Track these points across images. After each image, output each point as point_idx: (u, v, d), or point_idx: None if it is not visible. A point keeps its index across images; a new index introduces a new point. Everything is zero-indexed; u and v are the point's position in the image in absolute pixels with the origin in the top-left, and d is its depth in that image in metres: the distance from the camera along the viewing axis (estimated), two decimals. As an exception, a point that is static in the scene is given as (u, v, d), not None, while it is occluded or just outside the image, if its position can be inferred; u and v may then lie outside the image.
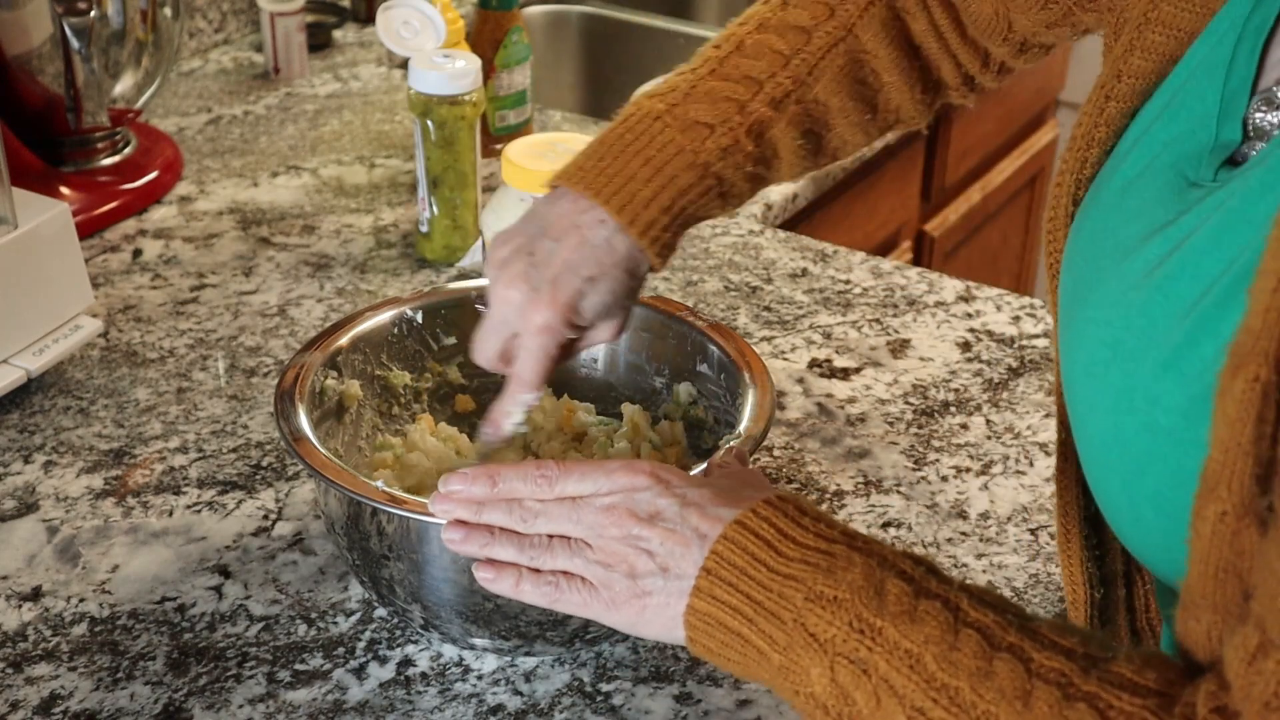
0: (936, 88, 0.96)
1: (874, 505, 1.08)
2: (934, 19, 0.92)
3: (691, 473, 0.82)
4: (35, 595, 0.97)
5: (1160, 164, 0.71)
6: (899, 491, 1.09)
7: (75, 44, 1.34)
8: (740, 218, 1.48)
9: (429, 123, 1.31)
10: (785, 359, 1.25)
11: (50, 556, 1.01)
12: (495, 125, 1.58)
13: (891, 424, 1.17)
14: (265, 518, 1.05)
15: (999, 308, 1.33)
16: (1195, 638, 0.61)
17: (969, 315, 1.32)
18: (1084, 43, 0.92)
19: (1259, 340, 0.55)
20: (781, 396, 1.20)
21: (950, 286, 1.37)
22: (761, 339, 1.27)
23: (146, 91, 1.46)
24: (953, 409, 1.19)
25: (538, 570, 0.75)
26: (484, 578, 0.76)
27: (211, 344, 1.25)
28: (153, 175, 1.48)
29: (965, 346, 1.28)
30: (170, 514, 1.05)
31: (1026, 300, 1.35)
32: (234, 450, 1.12)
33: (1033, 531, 1.05)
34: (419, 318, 1.03)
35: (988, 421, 1.17)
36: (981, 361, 1.25)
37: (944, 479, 1.11)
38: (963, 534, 1.05)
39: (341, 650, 0.93)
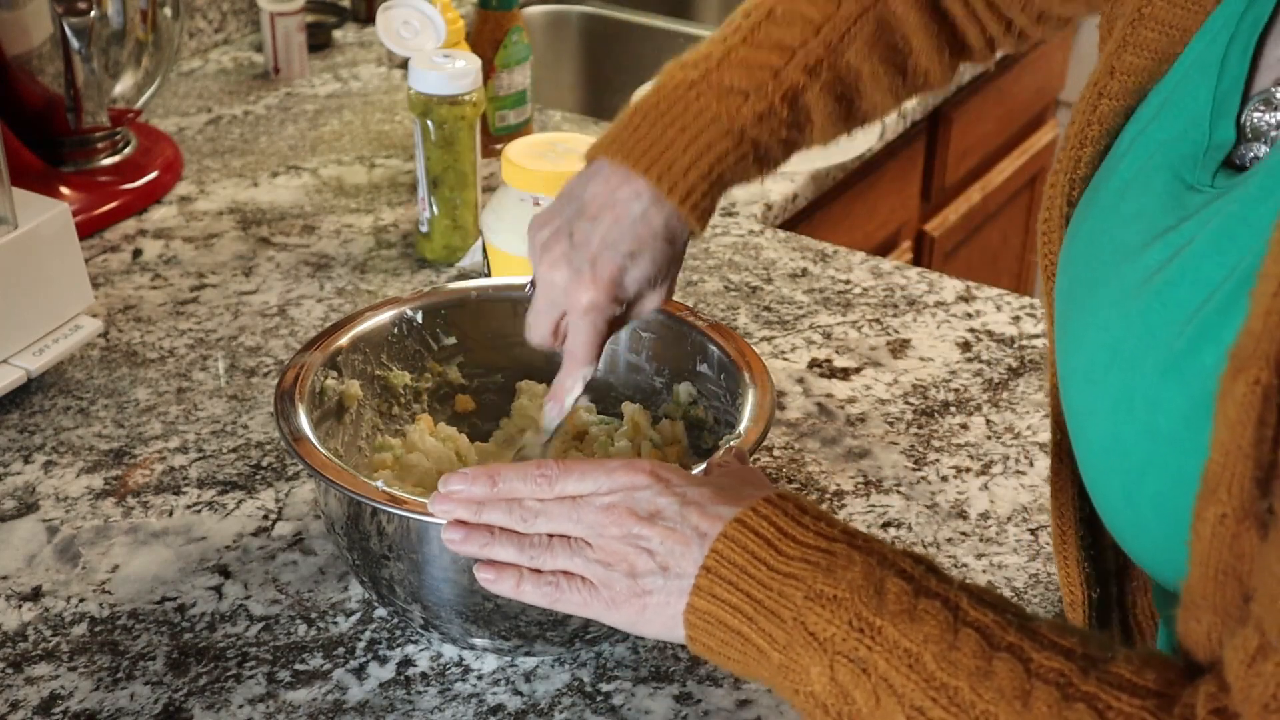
0: (962, 50, 0.97)
1: (874, 505, 1.08)
2: None
3: (692, 472, 0.82)
4: (35, 595, 0.97)
5: (1155, 165, 0.71)
6: (899, 491, 1.09)
7: (75, 44, 1.34)
8: (740, 218, 1.48)
9: (429, 123, 1.31)
10: (785, 359, 1.25)
11: (50, 556, 1.01)
12: (495, 125, 1.58)
13: (891, 424, 1.17)
14: (265, 518, 1.05)
15: (999, 308, 1.33)
16: (1195, 639, 0.61)
17: (969, 315, 1.32)
18: (1084, 43, 0.92)
19: (1260, 343, 0.55)
20: (781, 396, 1.20)
21: (950, 286, 1.37)
22: (761, 339, 1.27)
23: (146, 91, 1.46)
24: (953, 409, 1.19)
25: (538, 570, 0.75)
26: (484, 578, 0.76)
27: (211, 344, 1.25)
28: (153, 175, 1.48)
29: (965, 346, 1.28)
30: (170, 514, 1.05)
31: (1026, 300, 1.35)
32: (234, 450, 1.12)
33: (1033, 531, 1.05)
34: (419, 318, 1.03)
35: (988, 421, 1.17)
36: (981, 361, 1.25)
37: (944, 479, 1.11)
38: (963, 534, 1.05)
39: (341, 650, 0.93)
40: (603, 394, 1.05)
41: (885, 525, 1.06)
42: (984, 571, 1.01)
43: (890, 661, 0.63)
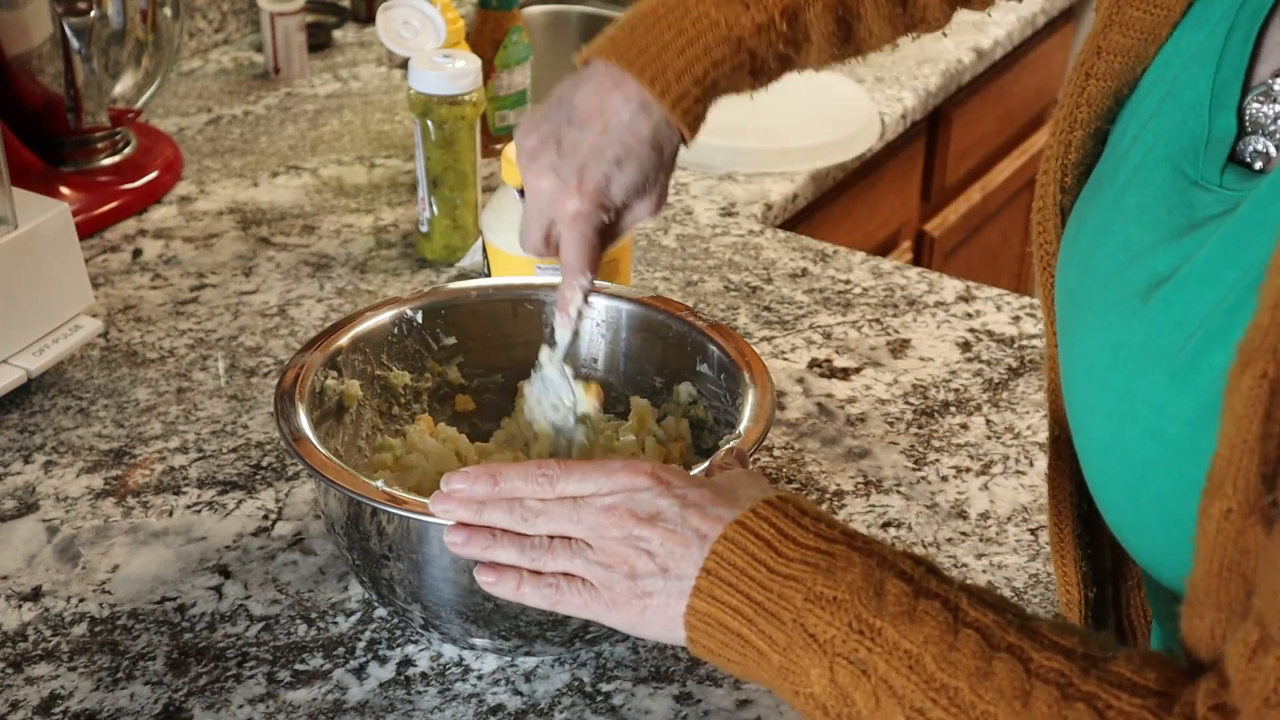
0: None
1: (874, 505, 1.08)
2: None
3: (692, 472, 0.82)
4: (35, 595, 0.97)
5: (1155, 158, 0.71)
6: (899, 491, 1.09)
7: (75, 44, 1.34)
8: (740, 217, 1.48)
9: (429, 123, 1.31)
10: (785, 359, 1.25)
11: (50, 556, 1.01)
12: (495, 125, 1.58)
13: (891, 424, 1.17)
14: (265, 518, 1.05)
15: (999, 308, 1.33)
16: (1199, 636, 0.61)
17: (969, 315, 1.32)
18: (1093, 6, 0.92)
19: (1268, 337, 0.55)
20: (781, 396, 1.20)
21: (950, 286, 1.37)
22: (761, 339, 1.27)
23: (146, 91, 1.46)
24: (953, 409, 1.19)
25: (538, 572, 0.75)
26: (485, 581, 0.76)
27: (211, 344, 1.25)
28: (153, 175, 1.48)
29: (965, 346, 1.28)
30: (170, 514, 1.05)
31: (1026, 300, 1.35)
32: (234, 450, 1.12)
33: (1033, 531, 1.05)
34: (419, 318, 1.03)
35: (988, 421, 1.17)
36: (981, 361, 1.25)
37: (944, 479, 1.11)
38: (963, 534, 1.05)
39: (341, 650, 0.93)
40: (603, 393, 1.05)
41: (885, 525, 1.06)
42: (984, 571, 1.01)
43: (890, 663, 0.63)
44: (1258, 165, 0.67)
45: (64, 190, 1.40)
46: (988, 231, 2.25)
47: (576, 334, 0.93)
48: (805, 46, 0.91)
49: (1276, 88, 0.67)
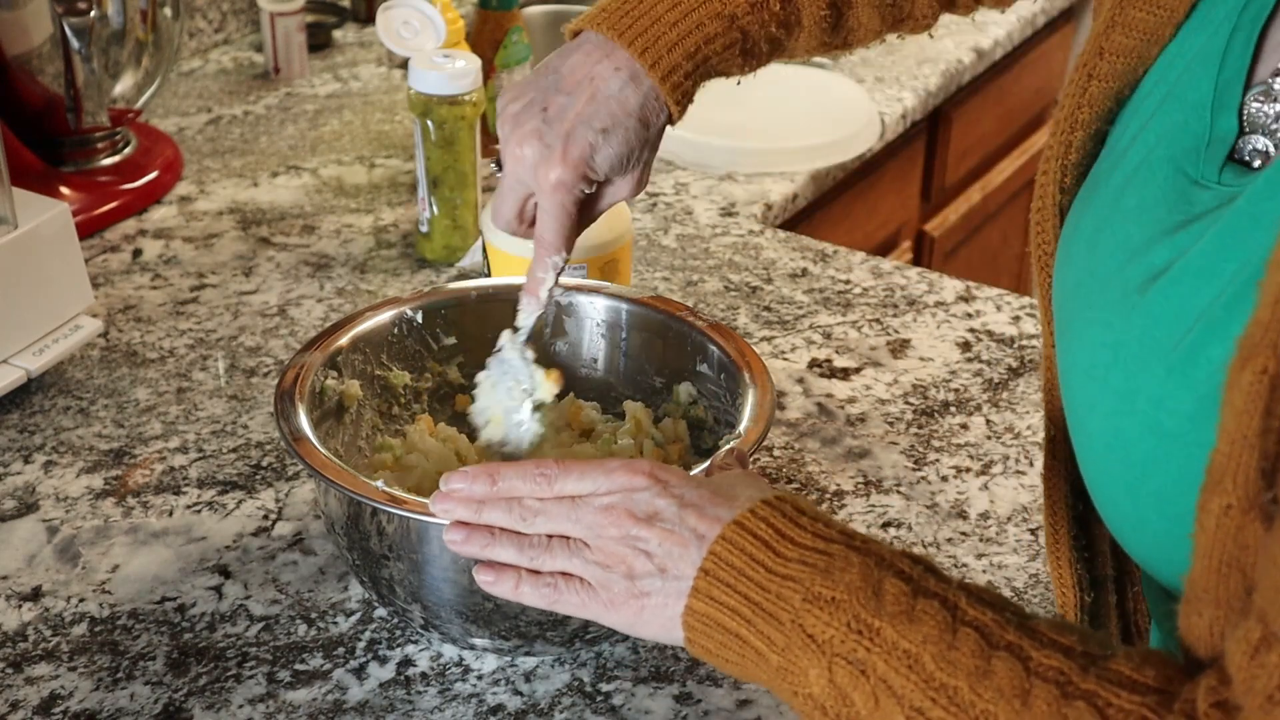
0: None
1: (874, 505, 1.08)
2: None
3: (692, 472, 0.82)
4: (35, 595, 0.97)
5: (1157, 158, 0.71)
6: (899, 491, 1.09)
7: (75, 44, 1.34)
8: (740, 218, 1.48)
9: (429, 123, 1.31)
10: (785, 359, 1.25)
11: (50, 556, 1.01)
12: (495, 125, 1.58)
13: (891, 424, 1.17)
14: (265, 518, 1.05)
15: (999, 308, 1.33)
16: (1197, 633, 0.61)
17: (969, 315, 1.32)
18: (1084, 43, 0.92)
19: (1268, 332, 0.55)
20: (781, 396, 1.20)
21: (950, 286, 1.37)
22: (761, 339, 1.27)
23: (146, 91, 1.46)
24: (953, 409, 1.19)
25: (536, 572, 0.75)
26: (484, 580, 0.76)
27: (211, 344, 1.25)
28: (153, 175, 1.48)
29: (965, 346, 1.28)
30: (170, 514, 1.05)
31: (1026, 300, 1.35)
32: (234, 450, 1.12)
33: (1033, 531, 1.05)
34: (419, 318, 1.03)
35: (988, 421, 1.17)
36: (981, 361, 1.25)
37: (944, 479, 1.11)
38: (963, 534, 1.05)
39: (341, 650, 0.93)
40: (603, 394, 1.05)
41: (885, 525, 1.06)
42: (984, 571, 1.01)
43: (889, 662, 0.63)
44: (1256, 163, 0.67)
45: (64, 190, 1.40)
46: (988, 231, 2.25)
47: (542, 317, 0.92)
48: (796, 31, 0.91)
49: (1276, 86, 0.67)
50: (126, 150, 1.49)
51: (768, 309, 1.32)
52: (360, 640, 0.94)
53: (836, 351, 1.26)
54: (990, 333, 1.30)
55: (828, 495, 1.08)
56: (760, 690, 0.91)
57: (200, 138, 1.63)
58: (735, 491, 0.73)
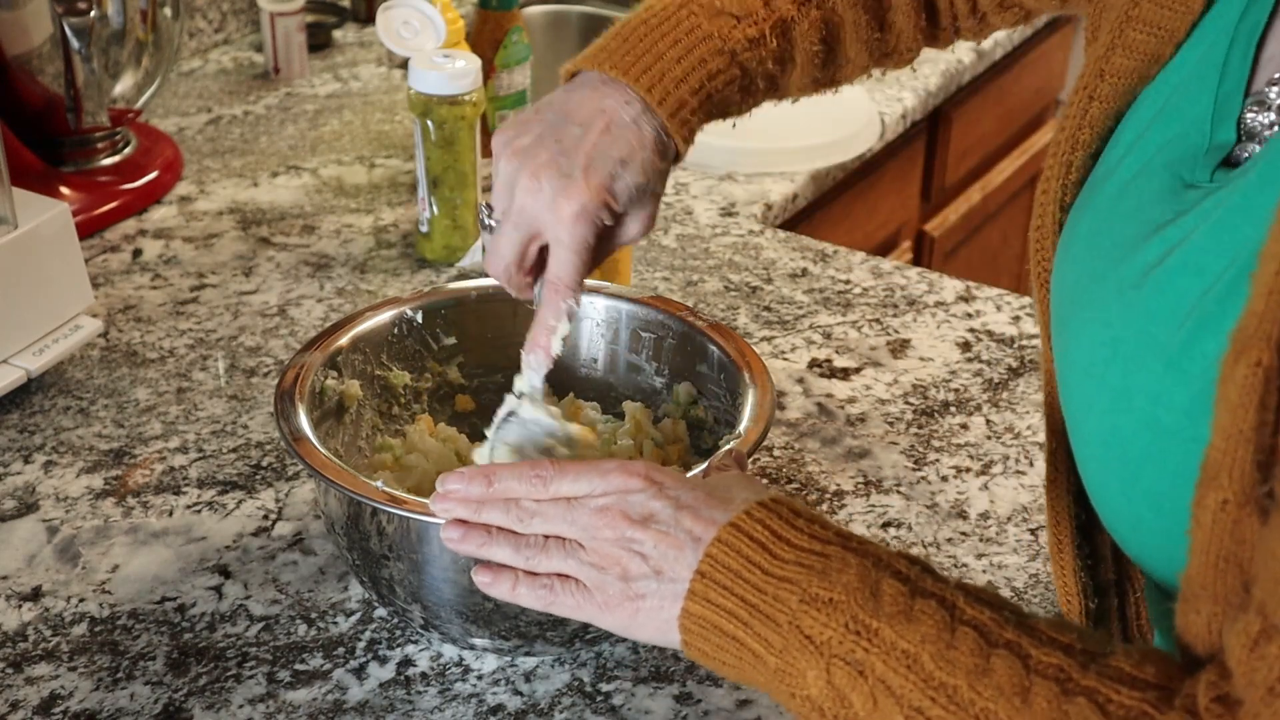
0: (934, 17, 0.96)
1: (874, 505, 1.08)
2: None
3: (692, 473, 0.82)
4: (35, 595, 0.97)
5: (1155, 166, 0.71)
6: (899, 491, 1.09)
7: (75, 44, 1.34)
8: (740, 218, 1.48)
9: (429, 123, 1.31)
10: (785, 359, 1.25)
11: (50, 556, 1.01)
12: (495, 125, 1.58)
13: (891, 424, 1.17)
14: (265, 518, 1.05)
15: (999, 308, 1.33)
16: (1195, 631, 0.61)
17: (969, 315, 1.32)
18: (1083, 43, 0.93)
19: (1262, 324, 0.55)
20: (781, 396, 1.20)
21: (950, 286, 1.37)
22: (761, 339, 1.27)
23: (146, 91, 1.46)
24: (953, 409, 1.19)
25: (533, 573, 0.75)
26: (481, 581, 0.76)
27: (211, 344, 1.25)
28: (153, 175, 1.48)
29: (965, 346, 1.28)
30: (170, 514, 1.05)
31: (1026, 300, 1.35)
32: (234, 450, 1.12)
33: (1033, 531, 1.05)
34: (419, 318, 1.03)
35: (988, 421, 1.17)
36: (981, 361, 1.25)
37: (944, 479, 1.11)
38: (963, 534, 1.05)
39: (341, 650, 0.93)
40: (603, 394, 1.05)
41: (885, 525, 1.06)
42: (984, 571, 1.01)
43: (888, 663, 0.63)
44: None
45: (64, 190, 1.40)
46: (988, 231, 2.25)
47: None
48: (789, 69, 0.90)
49: (1270, 95, 0.68)
50: (126, 150, 1.49)
51: (768, 309, 1.32)
52: (360, 640, 0.94)
53: (836, 351, 1.26)
54: (990, 333, 1.30)
55: (828, 495, 1.08)
56: (760, 691, 0.91)
57: (200, 138, 1.63)
58: (731, 494, 0.73)
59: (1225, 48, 0.70)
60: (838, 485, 1.10)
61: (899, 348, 1.27)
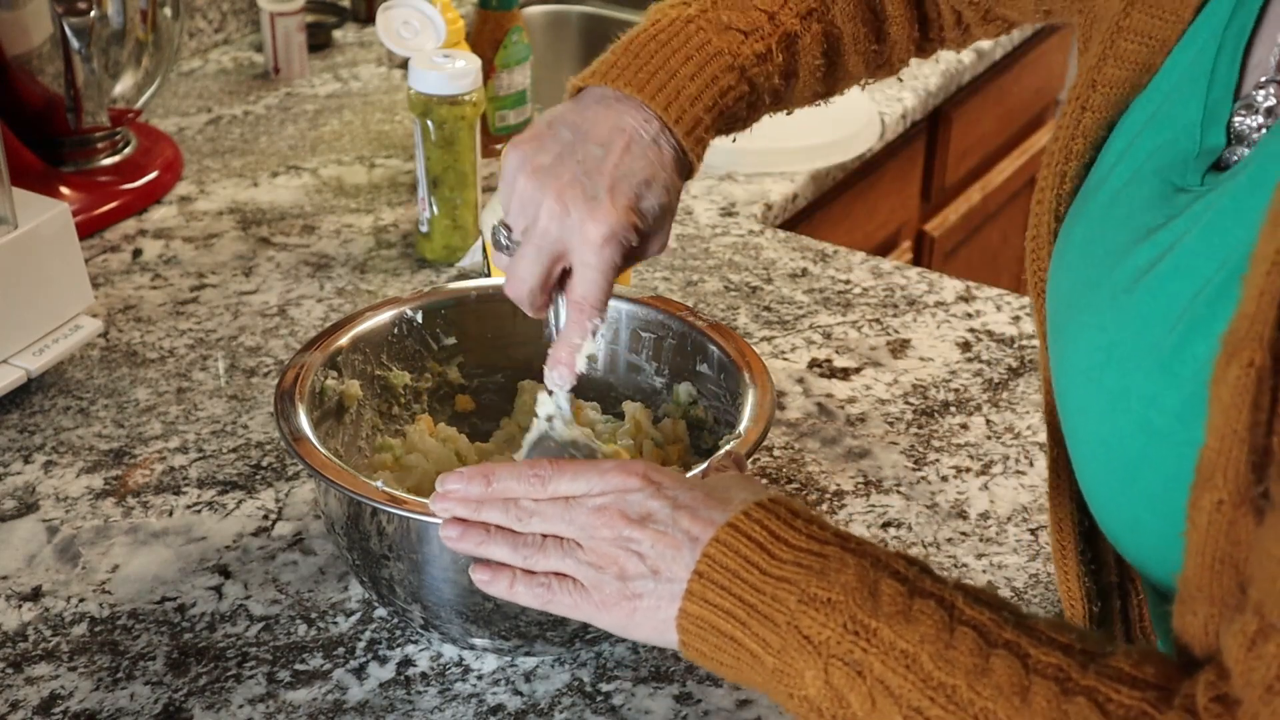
0: (925, 27, 0.96)
1: (874, 505, 1.08)
2: None
3: (691, 473, 0.82)
4: (35, 595, 0.97)
5: (1146, 171, 0.71)
6: (899, 491, 1.09)
7: (75, 44, 1.34)
8: (740, 218, 1.48)
9: (429, 123, 1.31)
10: (785, 359, 1.25)
11: (50, 556, 1.01)
12: (495, 125, 1.58)
13: (891, 424, 1.17)
14: (265, 518, 1.05)
15: (999, 308, 1.33)
16: (1193, 632, 0.61)
17: (969, 315, 1.32)
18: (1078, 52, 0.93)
19: (1253, 325, 0.55)
20: (781, 396, 1.20)
21: (950, 286, 1.37)
22: (761, 339, 1.27)
23: (146, 91, 1.46)
24: (953, 409, 1.19)
25: (531, 571, 0.75)
26: (480, 579, 0.76)
27: (211, 344, 1.25)
28: (153, 175, 1.48)
29: (965, 346, 1.28)
30: (170, 514, 1.05)
31: (1026, 300, 1.35)
32: (234, 450, 1.12)
33: (1033, 531, 1.05)
34: (419, 318, 1.03)
35: (988, 421, 1.17)
36: (981, 361, 1.25)
37: (944, 479, 1.11)
38: (963, 534, 1.05)
39: (341, 650, 0.93)
40: (603, 394, 1.05)
41: (885, 525, 1.06)
42: (984, 571, 1.01)
43: (886, 663, 0.63)
44: None
45: (64, 190, 1.40)
46: (988, 231, 2.25)
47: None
48: (793, 82, 0.90)
49: (1258, 99, 0.68)
50: (126, 150, 1.49)
51: (768, 309, 1.32)
52: (360, 640, 0.94)
53: (836, 351, 1.26)
54: (990, 333, 1.30)
55: (828, 495, 1.08)
56: (759, 691, 0.90)
57: (200, 138, 1.63)
58: (729, 494, 0.73)
59: (1213, 53, 0.71)
60: (838, 485, 1.10)
61: (899, 348, 1.27)
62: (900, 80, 1.83)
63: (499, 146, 1.55)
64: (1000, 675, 0.61)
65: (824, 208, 1.69)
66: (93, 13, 1.34)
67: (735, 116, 0.87)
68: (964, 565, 1.02)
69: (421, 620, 0.90)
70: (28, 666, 0.91)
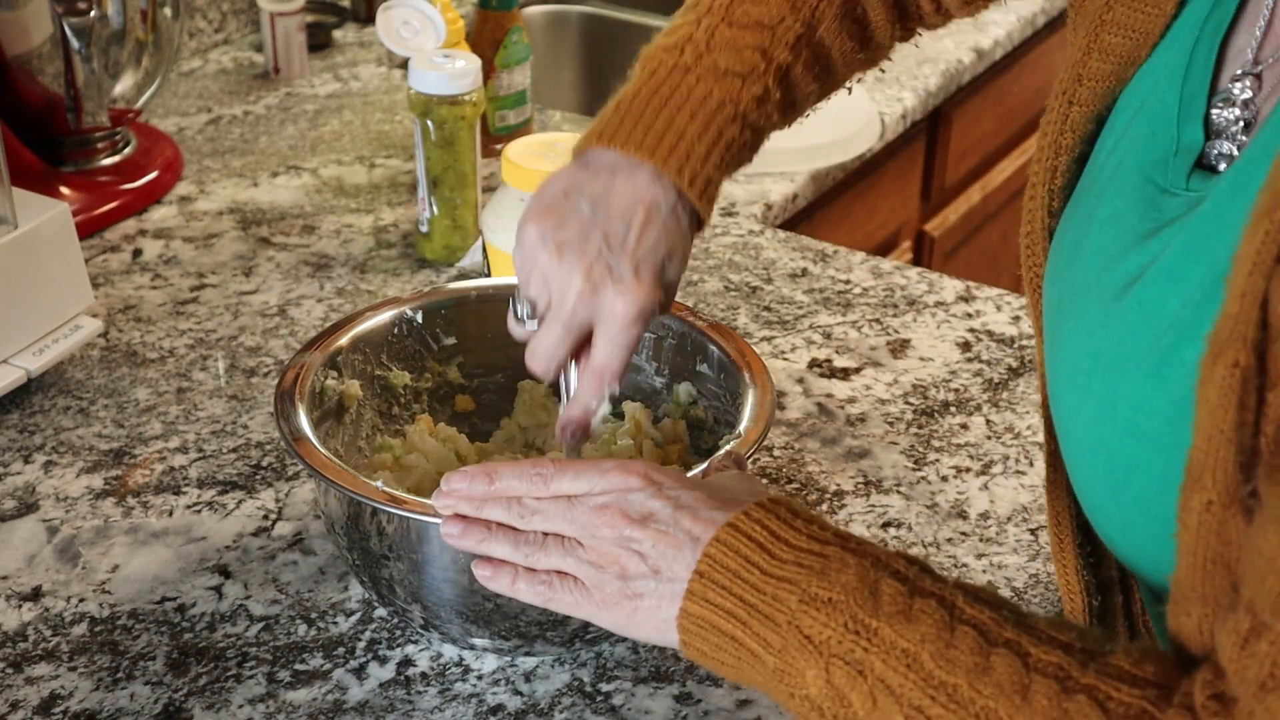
0: (905, 20, 0.95)
1: (874, 505, 1.08)
2: None
3: (691, 473, 0.82)
4: (35, 595, 0.97)
5: (1127, 169, 0.71)
6: (899, 491, 1.09)
7: (75, 44, 1.34)
8: (740, 218, 1.48)
9: (429, 123, 1.31)
10: (785, 359, 1.25)
11: (50, 556, 1.01)
12: (495, 125, 1.58)
13: (891, 424, 1.17)
14: (265, 518, 1.05)
15: (999, 308, 1.33)
16: (1187, 632, 0.61)
17: (969, 315, 1.32)
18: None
19: (1237, 325, 0.56)
20: (781, 396, 1.20)
21: (950, 286, 1.37)
22: (761, 339, 1.27)
23: (146, 91, 1.46)
24: (953, 409, 1.19)
25: (532, 569, 0.75)
26: (482, 575, 0.76)
27: (211, 344, 1.25)
28: (153, 175, 1.48)
29: (965, 346, 1.28)
30: (170, 514, 1.05)
31: (1026, 300, 1.35)
32: (234, 450, 1.12)
33: (1033, 531, 1.05)
34: (419, 318, 1.03)
35: (988, 421, 1.17)
36: (981, 361, 1.25)
37: (944, 479, 1.11)
38: (963, 534, 1.05)
39: (341, 650, 0.93)
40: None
41: (885, 525, 1.06)
42: (984, 571, 1.01)
43: (887, 662, 0.63)
44: (1221, 167, 0.68)
45: (64, 190, 1.40)
46: (988, 231, 2.25)
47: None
48: (791, 112, 0.90)
49: (1235, 91, 0.68)
50: (126, 150, 1.49)
51: (768, 309, 1.32)
52: (360, 640, 0.94)
53: (836, 351, 1.26)
54: (990, 333, 1.30)
55: (828, 495, 1.08)
56: (759, 691, 0.91)
57: (200, 138, 1.63)
58: (730, 494, 0.73)
59: (1190, 47, 0.71)
60: (838, 485, 1.10)
61: (899, 348, 1.27)
62: (900, 80, 1.83)
63: (499, 146, 1.55)
64: (1001, 674, 0.61)
65: (824, 208, 1.69)
66: (93, 13, 1.34)
67: (741, 162, 0.87)
68: (964, 565, 1.02)
69: (421, 620, 0.90)
70: (28, 666, 0.91)
